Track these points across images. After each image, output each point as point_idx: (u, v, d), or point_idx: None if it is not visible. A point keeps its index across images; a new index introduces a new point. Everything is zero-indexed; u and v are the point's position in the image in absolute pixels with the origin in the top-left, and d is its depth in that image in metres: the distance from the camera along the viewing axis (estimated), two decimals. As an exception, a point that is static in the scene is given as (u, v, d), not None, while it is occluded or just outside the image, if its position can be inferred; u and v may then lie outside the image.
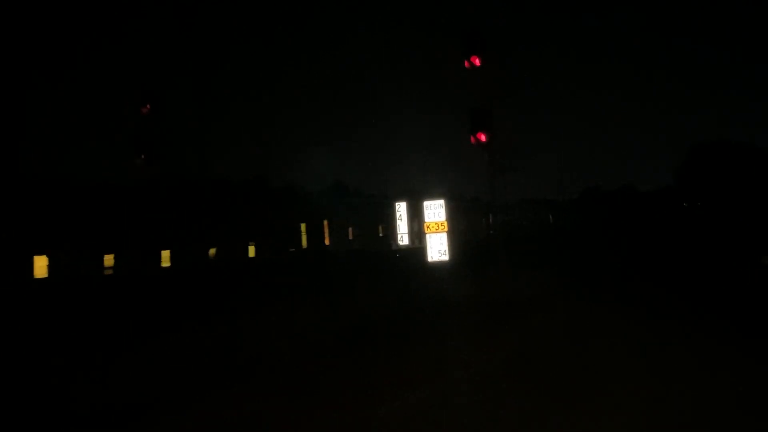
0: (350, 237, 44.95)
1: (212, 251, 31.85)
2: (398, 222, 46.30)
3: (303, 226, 39.99)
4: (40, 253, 25.08)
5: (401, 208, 46.18)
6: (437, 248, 20.91)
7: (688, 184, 57.12)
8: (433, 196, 21.66)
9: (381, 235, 48.08)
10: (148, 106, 19.80)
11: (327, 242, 41.75)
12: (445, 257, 20.76)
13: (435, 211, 21.05)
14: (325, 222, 42.51)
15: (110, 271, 27.45)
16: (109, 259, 27.71)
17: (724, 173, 51.14)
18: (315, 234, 40.70)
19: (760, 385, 6.09)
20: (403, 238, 45.91)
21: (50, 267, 25.25)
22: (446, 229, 20.93)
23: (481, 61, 16.35)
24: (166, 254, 30.68)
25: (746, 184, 49.17)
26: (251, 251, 34.86)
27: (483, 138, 16.50)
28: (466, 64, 16.33)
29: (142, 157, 20.05)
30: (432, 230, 20.98)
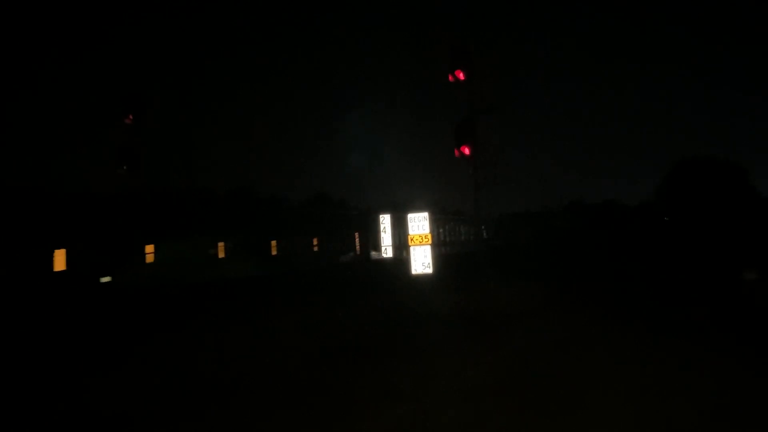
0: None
1: None
2: (382, 234, 46.46)
3: None
4: None
5: (386, 221, 46.40)
6: (421, 261, 20.89)
7: (670, 198, 57.81)
8: (416, 208, 21.66)
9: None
10: (131, 116, 19.67)
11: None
12: (429, 270, 20.75)
13: (419, 223, 21.06)
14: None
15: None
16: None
17: (706, 189, 51.84)
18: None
19: (751, 394, 6.18)
20: (387, 250, 46.06)
21: None
22: (430, 241, 20.94)
23: (465, 75, 16.47)
24: None
25: (727, 199, 49.87)
26: None
27: (467, 151, 16.59)
28: (450, 77, 16.45)
29: (125, 167, 19.87)
30: (416, 243, 20.97)
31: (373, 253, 48.82)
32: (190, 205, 33.00)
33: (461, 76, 16.39)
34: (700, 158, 56.55)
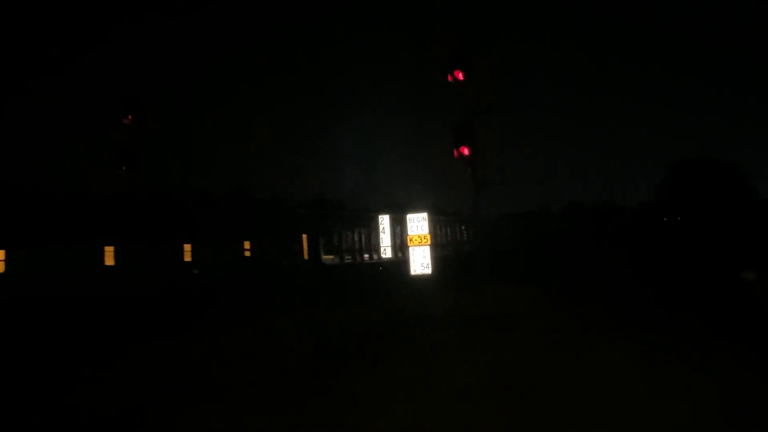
0: None
1: None
2: (381, 235, 46.50)
3: None
4: None
5: (384, 221, 46.43)
6: (420, 261, 20.88)
7: (669, 199, 57.79)
8: (416, 209, 21.64)
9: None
10: (130, 116, 19.68)
11: None
12: (428, 270, 20.74)
13: (418, 224, 21.04)
14: None
15: None
16: None
17: (706, 190, 51.81)
18: None
19: (750, 394, 6.20)
20: (387, 251, 46.08)
21: None
22: (429, 242, 20.92)
23: (465, 76, 16.48)
24: None
25: (726, 200, 49.86)
26: None
27: (466, 152, 16.60)
28: (450, 78, 16.46)
29: (124, 167, 19.89)
30: (415, 243, 20.95)
31: (326, 257, 46.55)
32: (79, 206, 27.94)
33: (461, 76, 16.40)
34: (700, 159, 56.58)
